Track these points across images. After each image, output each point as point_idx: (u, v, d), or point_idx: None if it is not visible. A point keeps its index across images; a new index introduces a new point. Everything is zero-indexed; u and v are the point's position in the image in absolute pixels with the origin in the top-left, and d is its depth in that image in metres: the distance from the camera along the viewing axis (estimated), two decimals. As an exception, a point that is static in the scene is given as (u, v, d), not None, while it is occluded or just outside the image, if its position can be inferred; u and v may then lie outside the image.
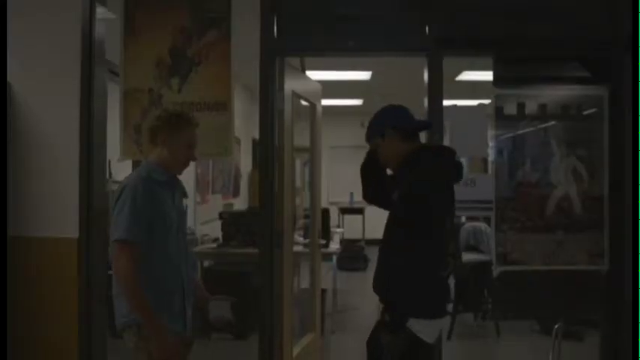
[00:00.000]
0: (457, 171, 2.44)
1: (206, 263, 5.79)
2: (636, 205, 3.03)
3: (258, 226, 3.35)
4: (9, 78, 3.09)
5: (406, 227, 2.26)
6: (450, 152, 2.45)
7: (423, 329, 2.23)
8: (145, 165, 2.45)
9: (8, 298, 2.83)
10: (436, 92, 3.24)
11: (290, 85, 3.47)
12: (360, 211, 10.86)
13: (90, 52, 3.25)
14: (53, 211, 3.20)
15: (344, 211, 10.87)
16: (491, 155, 3.40)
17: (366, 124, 2.55)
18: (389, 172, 2.54)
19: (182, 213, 2.57)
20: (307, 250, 4.64)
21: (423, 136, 3.28)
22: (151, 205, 2.31)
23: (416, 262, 2.23)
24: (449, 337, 5.08)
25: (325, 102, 4.35)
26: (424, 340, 2.24)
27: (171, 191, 2.46)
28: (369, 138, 2.52)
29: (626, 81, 3.15)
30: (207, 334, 5.05)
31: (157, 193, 2.36)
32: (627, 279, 3.13)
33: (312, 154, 4.30)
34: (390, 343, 2.23)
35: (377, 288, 2.38)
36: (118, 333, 2.38)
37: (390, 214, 2.40)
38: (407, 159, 2.38)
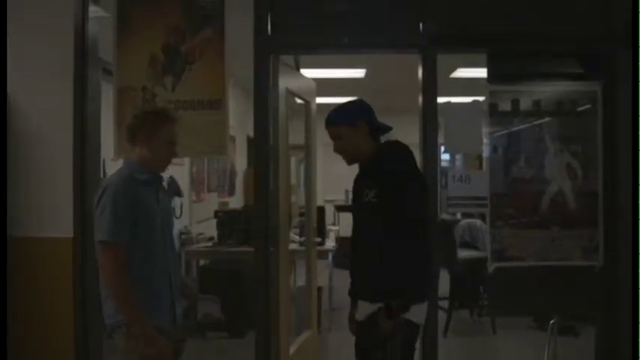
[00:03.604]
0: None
1: (201, 262, 5.78)
2: (636, 201, 3.04)
3: (254, 224, 3.35)
4: (2, 77, 3.08)
5: (404, 222, 2.29)
6: (406, 148, 2.51)
7: (417, 313, 2.35)
8: (126, 165, 2.42)
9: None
10: (431, 89, 3.24)
11: (284, 82, 3.46)
12: (355, 208, 10.85)
13: (83, 50, 3.24)
14: (47, 211, 3.19)
15: (339, 208, 10.85)
16: (485, 152, 3.41)
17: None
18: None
19: (167, 212, 2.54)
20: (303, 248, 4.64)
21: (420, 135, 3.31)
22: (133, 205, 2.28)
23: (411, 250, 2.28)
24: (445, 334, 5.09)
25: (319, 100, 4.35)
26: (417, 322, 2.37)
27: (154, 190, 2.43)
28: (334, 122, 2.51)
29: (624, 77, 3.16)
30: (200, 332, 5.04)
31: (140, 192, 2.33)
32: (625, 274, 3.14)
33: (307, 152, 4.29)
34: (390, 331, 2.28)
35: (369, 279, 2.40)
36: (107, 334, 2.37)
37: (363, 212, 2.45)
38: (377, 156, 2.46)
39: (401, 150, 2.49)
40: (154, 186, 2.44)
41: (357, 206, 2.51)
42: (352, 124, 2.47)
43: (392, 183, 2.34)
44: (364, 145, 2.49)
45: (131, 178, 2.34)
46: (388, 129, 2.55)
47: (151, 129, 2.38)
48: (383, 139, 2.58)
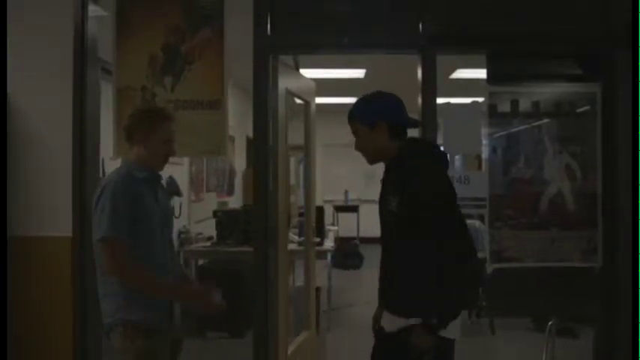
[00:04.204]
0: (441, 162, 2.37)
1: (200, 262, 5.78)
2: (635, 202, 3.04)
3: (253, 224, 3.35)
4: (1, 76, 3.08)
5: (428, 230, 2.14)
6: (435, 145, 2.41)
7: (451, 329, 2.21)
8: (124, 164, 2.41)
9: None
10: (430, 90, 3.24)
11: (284, 83, 3.46)
12: (354, 209, 10.87)
13: (82, 50, 3.23)
14: (47, 210, 3.19)
15: (338, 209, 10.88)
16: (485, 153, 3.41)
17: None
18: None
19: (167, 210, 2.53)
20: (302, 248, 4.64)
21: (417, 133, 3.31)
22: (132, 203, 2.27)
23: (448, 267, 2.13)
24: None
25: (319, 100, 4.35)
26: (450, 337, 2.24)
27: (153, 188, 2.42)
28: (352, 117, 2.34)
29: (623, 78, 3.16)
30: (199, 331, 5.04)
31: (139, 190, 2.32)
32: (624, 275, 3.14)
33: (306, 152, 4.29)
34: (426, 348, 2.15)
35: (402, 292, 2.25)
36: (105, 332, 2.36)
37: (388, 219, 2.29)
38: (398, 160, 2.28)
39: (424, 149, 2.35)
40: (152, 185, 2.43)
41: (382, 211, 2.34)
42: (370, 124, 2.28)
43: (413, 198, 2.15)
44: (383, 145, 2.29)
45: (130, 176, 2.33)
46: (416, 124, 2.38)
47: (148, 128, 2.37)
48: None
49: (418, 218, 2.14)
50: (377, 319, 2.45)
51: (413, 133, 2.41)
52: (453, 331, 2.24)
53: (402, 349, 2.21)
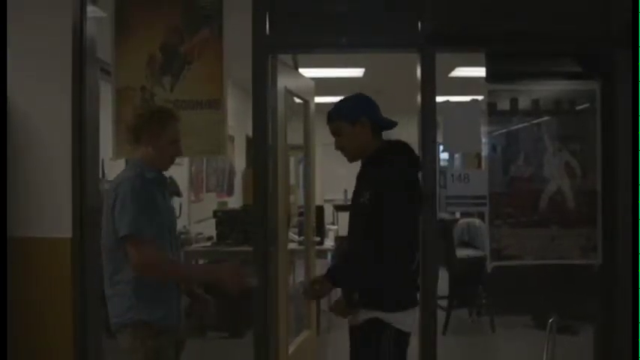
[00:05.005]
0: (418, 165, 2.51)
1: (200, 261, 5.78)
2: (635, 200, 3.05)
3: (253, 224, 3.35)
4: None
5: (381, 227, 2.26)
6: (409, 148, 2.48)
7: (405, 321, 2.34)
8: (133, 164, 2.42)
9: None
10: (429, 88, 3.24)
11: (283, 82, 3.46)
12: (354, 208, 10.84)
13: (81, 50, 3.23)
14: (46, 211, 3.19)
15: (338, 208, 10.86)
16: (484, 151, 3.41)
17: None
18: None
19: (172, 211, 2.55)
20: (302, 247, 4.65)
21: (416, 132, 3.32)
22: (148, 201, 2.29)
23: (394, 258, 2.28)
24: (444, 333, 5.10)
25: (318, 99, 4.35)
26: (404, 330, 2.35)
27: (161, 189, 2.44)
28: (333, 118, 2.45)
29: (623, 77, 3.15)
30: (200, 331, 5.04)
31: (152, 190, 2.34)
32: (624, 272, 3.14)
33: (305, 151, 4.30)
34: (377, 341, 2.29)
35: (352, 288, 2.36)
36: (112, 333, 2.36)
37: (357, 212, 2.40)
38: (377, 156, 2.40)
39: (401, 153, 2.44)
40: (161, 185, 2.44)
41: (353, 205, 2.48)
42: (352, 120, 2.41)
43: (384, 190, 2.29)
44: (365, 142, 2.42)
45: (142, 175, 2.33)
46: (393, 125, 2.48)
47: (157, 129, 2.36)
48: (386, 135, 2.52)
49: (379, 209, 2.27)
50: (315, 283, 2.56)
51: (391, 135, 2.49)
52: (409, 324, 2.35)
53: (364, 341, 2.33)
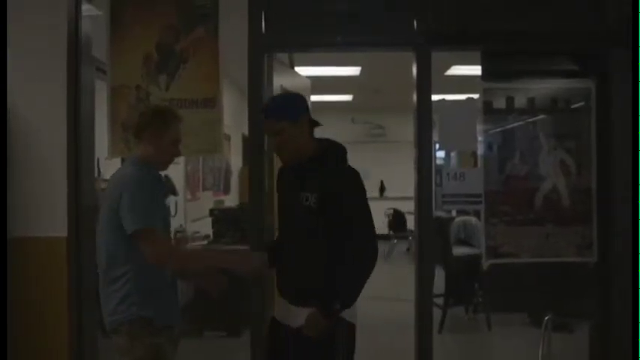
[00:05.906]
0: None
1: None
2: (635, 199, 3.05)
3: (249, 222, 3.35)
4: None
5: (340, 226, 2.21)
6: (342, 146, 2.40)
7: (352, 314, 2.30)
8: (134, 160, 2.41)
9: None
10: (425, 87, 3.25)
11: (279, 80, 3.46)
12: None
13: (76, 49, 3.22)
14: (42, 211, 3.18)
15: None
16: (480, 149, 3.42)
17: (272, 103, 2.38)
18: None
19: (168, 210, 2.59)
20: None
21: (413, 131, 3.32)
22: (155, 196, 2.32)
23: (344, 253, 2.23)
24: (440, 331, 5.11)
25: (314, 98, 4.35)
26: (353, 322, 2.31)
27: (161, 186, 2.46)
28: (274, 115, 2.27)
29: (622, 76, 3.16)
30: (197, 331, 5.04)
31: (156, 185, 2.37)
32: (619, 270, 3.15)
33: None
34: (330, 334, 2.21)
35: (305, 283, 2.29)
36: (108, 332, 2.35)
37: (308, 213, 2.25)
38: (319, 156, 2.29)
39: (343, 152, 2.36)
40: (160, 183, 2.46)
41: (293, 209, 2.32)
42: (294, 119, 2.25)
43: (336, 190, 2.21)
44: (304, 142, 2.29)
45: (146, 171, 2.35)
46: (318, 124, 2.38)
47: (160, 128, 2.37)
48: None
49: (337, 215, 2.20)
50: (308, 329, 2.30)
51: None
52: (353, 316, 2.31)
53: (310, 342, 2.21)
